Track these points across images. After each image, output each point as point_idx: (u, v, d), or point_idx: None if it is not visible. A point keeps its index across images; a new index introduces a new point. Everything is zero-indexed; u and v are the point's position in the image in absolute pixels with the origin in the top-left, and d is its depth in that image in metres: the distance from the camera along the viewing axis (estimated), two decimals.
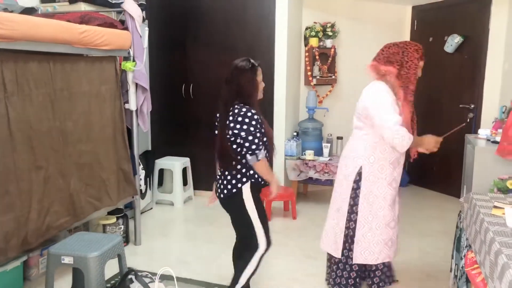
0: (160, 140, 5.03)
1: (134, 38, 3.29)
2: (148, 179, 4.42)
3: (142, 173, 3.57)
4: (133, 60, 3.31)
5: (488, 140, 3.03)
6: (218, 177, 2.47)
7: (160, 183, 4.91)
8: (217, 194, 2.48)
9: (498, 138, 2.90)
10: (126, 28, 3.30)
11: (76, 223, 2.92)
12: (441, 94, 5.16)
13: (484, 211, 1.93)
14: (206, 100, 4.83)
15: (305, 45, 5.08)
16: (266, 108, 4.63)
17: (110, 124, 3.18)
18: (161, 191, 4.84)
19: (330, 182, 4.58)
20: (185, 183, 4.86)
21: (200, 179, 4.97)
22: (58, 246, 2.34)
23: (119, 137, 3.27)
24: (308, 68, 5.00)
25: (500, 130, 2.97)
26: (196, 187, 4.99)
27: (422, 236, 3.89)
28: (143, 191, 4.25)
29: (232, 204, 2.43)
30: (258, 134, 2.30)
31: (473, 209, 2.08)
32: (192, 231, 4.06)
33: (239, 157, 2.34)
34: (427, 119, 5.35)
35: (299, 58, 5.12)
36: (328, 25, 5.01)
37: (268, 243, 2.47)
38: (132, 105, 3.38)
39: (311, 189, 5.20)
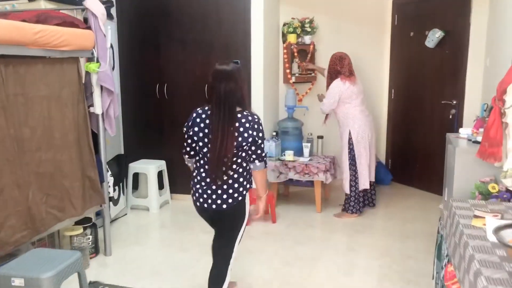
0: (134, 143, 4.84)
1: (98, 38, 3.09)
2: (121, 184, 4.24)
3: (110, 179, 3.38)
4: (97, 61, 3.11)
5: (469, 140, 2.92)
6: (210, 190, 2.28)
7: (136, 187, 4.73)
8: (212, 206, 2.30)
9: (479, 138, 2.78)
10: (89, 27, 3.10)
11: (36, 237, 2.74)
12: (422, 90, 5.06)
13: (464, 222, 1.81)
14: (181, 100, 4.65)
15: (283, 42, 4.92)
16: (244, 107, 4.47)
17: (73, 129, 2.99)
18: (136, 196, 4.66)
19: (311, 184, 4.46)
20: (161, 186, 4.69)
21: (177, 182, 4.79)
22: (9, 266, 2.15)
23: (83, 143, 3.08)
24: (287, 65, 4.85)
25: (481, 130, 2.86)
26: (173, 190, 4.81)
27: (404, 238, 3.78)
28: (115, 198, 4.06)
29: (236, 212, 2.36)
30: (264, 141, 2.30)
31: (452, 218, 1.96)
32: (167, 238, 3.89)
33: (245, 164, 2.30)
34: (409, 116, 5.26)
35: (277, 55, 4.97)
36: (307, 20, 4.86)
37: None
38: (97, 109, 3.19)
39: (293, 190, 5.07)
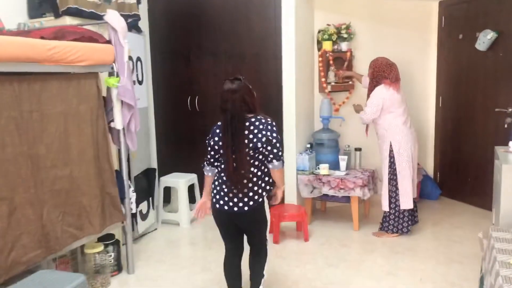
0: (166, 156, 4.80)
1: (118, 52, 3.04)
2: (151, 198, 4.18)
3: (133, 195, 3.32)
4: (117, 76, 3.06)
5: None
6: (232, 193, 2.44)
7: (168, 201, 4.67)
8: (234, 208, 2.45)
9: None
10: (109, 42, 3.06)
11: (51, 256, 2.69)
12: (474, 97, 4.62)
13: (502, 259, 1.50)
14: (212, 113, 4.54)
15: (318, 50, 4.68)
16: (276, 120, 4.27)
17: (92, 145, 2.94)
18: (168, 210, 4.59)
19: (347, 199, 4.17)
20: (193, 200, 4.59)
21: None
22: None
23: (103, 159, 3.03)
24: (322, 74, 4.60)
25: None
26: None
27: (450, 262, 3.40)
28: (143, 212, 4.00)
29: (257, 214, 2.51)
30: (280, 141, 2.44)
31: (490, 251, 1.65)
32: (192, 256, 3.75)
33: (263, 167, 2.44)
34: (459, 125, 4.82)
35: (312, 64, 4.73)
36: (343, 26, 4.60)
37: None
38: (117, 124, 3.13)
39: (331, 206, 4.79)
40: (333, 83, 4.61)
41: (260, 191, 2.45)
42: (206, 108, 4.57)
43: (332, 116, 4.48)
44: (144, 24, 4.52)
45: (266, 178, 2.48)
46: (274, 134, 2.40)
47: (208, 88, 4.53)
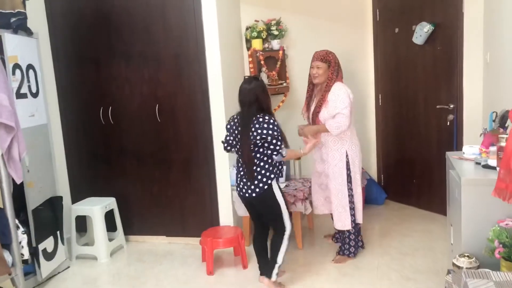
0: (79, 178, 4.11)
1: None
2: (58, 232, 3.49)
3: (23, 238, 2.67)
4: None
5: (478, 163, 2.21)
6: (244, 180, 2.84)
7: (85, 230, 4.00)
8: (246, 194, 2.84)
9: (491, 162, 2.08)
10: None
11: None
12: (414, 94, 4.36)
13: None
14: (130, 125, 3.94)
15: (248, 49, 4.22)
16: (204, 129, 3.76)
17: None
18: (83, 243, 3.93)
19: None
20: (113, 228, 3.95)
21: (133, 222, 4.06)
22: None
23: None
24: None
25: (492, 148, 2.15)
26: (129, 231, 4.08)
27: (405, 280, 3.05)
28: (48, 251, 3.32)
29: (266, 198, 2.82)
30: (279, 137, 2.72)
31: None
32: None
33: (265, 158, 2.76)
34: (400, 124, 4.55)
35: (241, 65, 4.26)
36: (273, 22, 4.17)
37: (292, 224, 2.95)
38: None
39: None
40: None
41: (264, 179, 2.77)
42: (122, 120, 3.94)
43: None
44: (40, 24, 3.82)
45: (270, 168, 2.78)
46: (270, 132, 2.67)
47: (123, 97, 3.90)
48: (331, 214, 3.44)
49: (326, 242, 3.78)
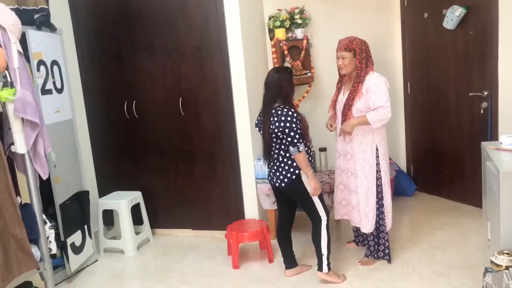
0: (105, 173, 4.14)
1: (10, 56, 2.38)
2: (86, 226, 3.53)
3: (50, 233, 2.70)
4: (11, 86, 2.40)
5: None
6: (273, 169, 2.88)
7: (113, 224, 4.04)
8: (276, 184, 2.88)
9: None
10: None
11: None
12: (445, 81, 4.18)
13: None
14: (153, 118, 3.93)
15: (271, 39, 4.13)
16: (227, 121, 3.71)
17: None
18: (111, 236, 3.97)
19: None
20: (140, 222, 3.97)
21: (159, 215, 4.07)
22: None
23: (1, 194, 2.38)
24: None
25: None
26: (155, 225, 4.09)
27: (436, 276, 2.94)
28: (76, 245, 3.36)
29: (295, 188, 2.83)
30: (298, 130, 2.70)
31: None
32: None
33: (286, 149, 2.76)
34: (431, 112, 4.38)
35: (265, 55, 4.18)
36: (296, 11, 4.06)
37: (327, 213, 2.90)
38: (19, 147, 2.48)
39: (298, 213, 4.24)
40: None
41: (292, 169, 2.78)
42: (146, 114, 3.93)
43: None
44: (65, 20, 3.84)
45: (293, 158, 2.76)
46: (288, 124, 2.67)
47: (146, 91, 3.89)
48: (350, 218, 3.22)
49: (350, 247, 3.49)
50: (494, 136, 3.70)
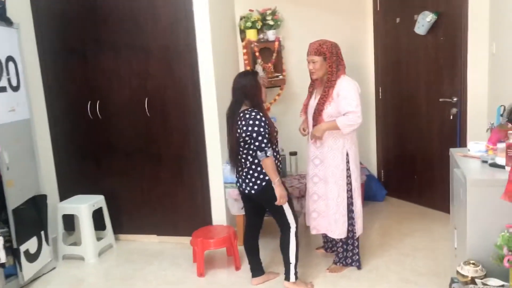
0: (67, 176, 3.95)
1: None
2: (43, 232, 3.34)
3: None
4: None
5: (484, 161, 2.04)
6: (242, 176, 2.78)
7: (73, 229, 3.85)
8: (245, 191, 2.79)
9: (499, 160, 1.91)
10: None
11: None
12: (415, 86, 4.18)
13: None
14: (118, 119, 3.77)
15: (242, 40, 4.04)
16: (195, 123, 3.60)
17: None
18: (70, 242, 3.78)
19: None
20: (103, 227, 3.80)
21: (122, 220, 3.91)
22: None
23: None
24: (248, 68, 3.96)
25: (501, 145, 1.98)
26: (118, 230, 3.92)
27: (403, 282, 2.90)
28: (31, 252, 3.17)
29: (266, 195, 2.72)
30: (266, 135, 2.62)
31: None
32: None
33: (254, 154, 2.68)
34: (401, 118, 4.37)
35: (236, 57, 4.08)
36: (268, 12, 3.99)
37: (296, 220, 2.83)
38: None
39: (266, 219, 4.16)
40: None
41: (261, 176, 2.70)
42: (111, 115, 3.77)
43: None
44: (24, 15, 3.64)
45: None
46: (256, 128, 2.60)
47: (111, 91, 3.73)
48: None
49: (319, 253, 3.43)
50: (463, 142, 3.71)
